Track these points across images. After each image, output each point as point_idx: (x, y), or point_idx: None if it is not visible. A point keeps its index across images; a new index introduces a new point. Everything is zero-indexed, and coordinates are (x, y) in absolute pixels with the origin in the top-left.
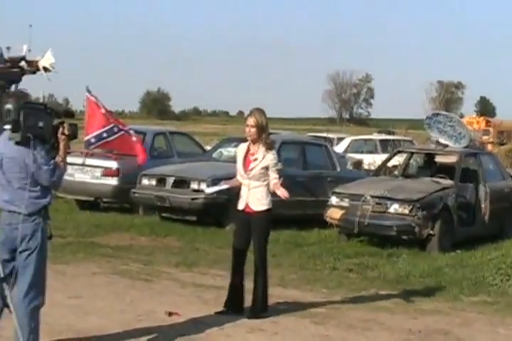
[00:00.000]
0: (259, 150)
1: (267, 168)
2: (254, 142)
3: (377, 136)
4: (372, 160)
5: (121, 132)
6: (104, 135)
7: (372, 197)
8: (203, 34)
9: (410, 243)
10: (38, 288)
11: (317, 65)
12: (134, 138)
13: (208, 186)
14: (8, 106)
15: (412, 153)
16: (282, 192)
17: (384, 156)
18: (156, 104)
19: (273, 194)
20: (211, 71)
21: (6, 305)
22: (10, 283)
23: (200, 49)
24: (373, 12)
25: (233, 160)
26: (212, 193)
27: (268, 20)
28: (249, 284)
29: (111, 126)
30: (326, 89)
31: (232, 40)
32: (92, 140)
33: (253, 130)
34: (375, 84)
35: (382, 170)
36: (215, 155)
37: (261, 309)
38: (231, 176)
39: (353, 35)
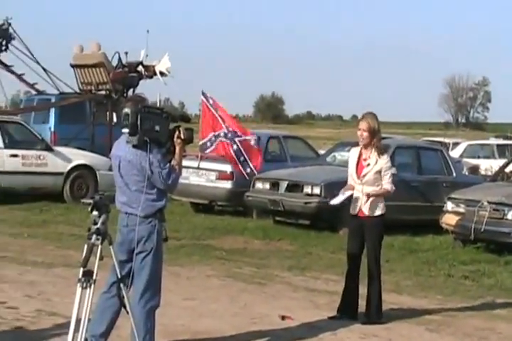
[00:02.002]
0: (372, 156)
1: (380, 173)
2: (366, 146)
3: (494, 141)
4: (489, 166)
5: (224, 139)
6: (213, 139)
7: (489, 203)
8: (316, 38)
9: None
10: (153, 289)
11: (433, 69)
12: (253, 145)
13: (325, 196)
14: (126, 110)
15: None
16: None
17: (501, 161)
18: (270, 108)
19: (387, 199)
20: (325, 75)
21: (123, 306)
22: (127, 284)
23: (314, 53)
24: (490, 15)
25: (347, 164)
26: (339, 204)
27: (383, 24)
28: (362, 289)
29: (220, 131)
30: (441, 93)
31: (346, 44)
32: (208, 143)
33: (365, 134)
34: (493, 88)
35: (500, 175)
36: (328, 159)
37: (375, 315)
38: (345, 180)
39: (471, 38)
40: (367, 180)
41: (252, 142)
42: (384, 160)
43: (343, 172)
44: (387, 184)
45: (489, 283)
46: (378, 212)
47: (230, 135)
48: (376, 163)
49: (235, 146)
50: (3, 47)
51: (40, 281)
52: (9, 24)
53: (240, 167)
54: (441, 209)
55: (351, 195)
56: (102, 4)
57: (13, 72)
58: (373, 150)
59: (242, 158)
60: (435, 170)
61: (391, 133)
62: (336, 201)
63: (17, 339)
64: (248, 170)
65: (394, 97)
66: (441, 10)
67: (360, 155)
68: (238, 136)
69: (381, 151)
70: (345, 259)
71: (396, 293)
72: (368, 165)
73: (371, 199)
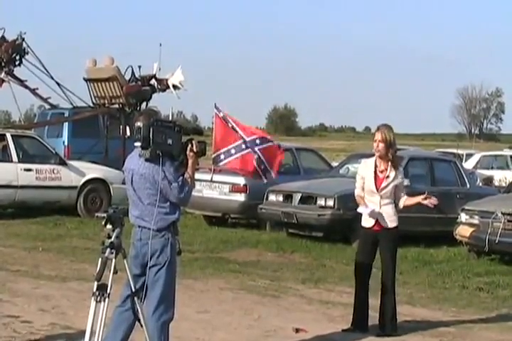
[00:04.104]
0: (390, 168)
1: (396, 186)
2: (381, 158)
3: (508, 152)
4: (503, 177)
5: (248, 150)
6: (232, 151)
7: (504, 214)
8: (328, 50)
9: None
10: (167, 302)
11: (445, 79)
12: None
13: (339, 208)
14: (139, 123)
15: None
16: (430, 200)
17: None
18: (283, 120)
19: (400, 211)
20: (337, 87)
21: (138, 319)
22: (141, 298)
23: (326, 65)
24: (503, 24)
25: None
26: (365, 214)
27: (395, 35)
28: (374, 301)
29: (239, 142)
30: (454, 104)
31: (359, 56)
32: (221, 156)
33: (381, 145)
34: (506, 99)
35: None
36: (341, 171)
37: (389, 327)
38: None
39: (484, 48)
40: (385, 193)
41: (273, 145)
42: (401, 174)
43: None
44: (404, 195)
45: (504, 295)
46: (393, 224)
47: (249, 145)
48: (395, 176)
49: (255, 156)
50: (17, 62)
51: (54, 295)
52: (23, 39)
53: (261, 174)
54: (455, 221)
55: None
56: (116, 18)
57: (27, 87)
58: (389, 162)
59: (262, 167)
60: (449, 182)
61: (404, 145)
62: (363, 210)
63: None
64: (268, 175)
65: (406, 109)
66: (453, 21)
67: (376, 167)
68: (257, 144)
69: (396, 164)
70: None
71: (410, 305)
72: (388, 177)
73: (389, 211)
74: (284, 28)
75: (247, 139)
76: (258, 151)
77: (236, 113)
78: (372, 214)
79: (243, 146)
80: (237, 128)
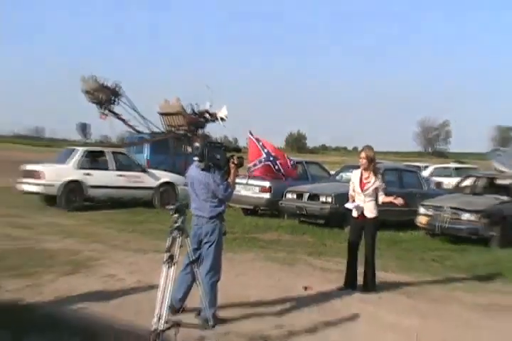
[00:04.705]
0: (370, 176)
1: (376, 188)
2: (365, 169)
3: (453, 165)
4: (449, 182)
5: (267, 162)
6: (257, 163)
7: (450, 208)
8: (327, 89)
9: (478, 241)
10: (216, 268)
11: (407, 113)
12: (290, 165)
13: (335, 203)
14: (196, 144)
15: (478, 177)
16: (398, 200)
17: (457, 179)
18: (296, 142)
19: (379, 205)
20: (335, 118)
21: (195, 280)
22: (197, 265)
23: (329, 102)
24: (452, 70)
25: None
26: (350, 209)
27: (381, 78)
28: (360, 269)
29: (260, 158)
30: (414, 131)
31: (347, 94)
32: (251, 167)
33: (364, 161)
34: (453, 127)
35: (457, 189)
36: (337, 177)
37: (370, 287)
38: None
39: (437, 87)
40: (367, 193)
41: (290, 163)
42: (379, 179)
43: (347, 186)
44: (381, 195)
45: (450, 264)
46: (373, 215)
47: (271, 158)
48: (375, 181)
49: (276, 167)
50: (115, 102)
51: (138, 262)
52: (120, 87)
53: (280, 177)
54: (417, 213)
55: (357, 205)
56: (180, 67)
57: (121, 119)
58: (371, 172)
59: (280, 173)
60: (412, 185)
61: (382, 159)
62: (349, 206)
63: (125, 299)
64: (286, 178)
65: (383, 133)
66: (420, 65)
67: (361, 175)
68: (278, 159)
69: (376, 173)
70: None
71: (384, 271)
72: (369, 182)
73: (370, 206)
74: (301, 73)
75: (270, 153)
76: (278, 164)
77: (266, 136)
78: (355, 208)
79: (263, 160)
80: (266, 147)
